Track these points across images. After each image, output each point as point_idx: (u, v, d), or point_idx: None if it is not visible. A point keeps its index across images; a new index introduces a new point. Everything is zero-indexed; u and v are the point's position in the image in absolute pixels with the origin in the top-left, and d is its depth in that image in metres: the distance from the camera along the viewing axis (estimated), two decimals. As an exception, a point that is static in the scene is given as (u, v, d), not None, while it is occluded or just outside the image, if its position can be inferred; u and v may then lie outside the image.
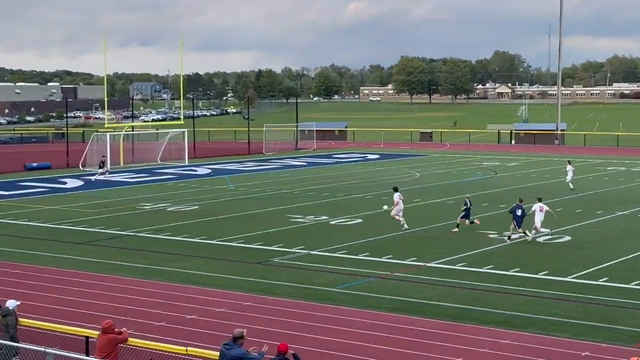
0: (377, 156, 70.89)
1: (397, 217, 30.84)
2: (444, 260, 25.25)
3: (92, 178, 51.84)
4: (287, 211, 36.34)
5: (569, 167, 45.04)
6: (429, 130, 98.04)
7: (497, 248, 27.37)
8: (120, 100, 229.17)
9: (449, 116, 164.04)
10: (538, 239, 28.90)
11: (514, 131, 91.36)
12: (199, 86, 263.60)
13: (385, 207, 31.37)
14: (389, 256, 25.80)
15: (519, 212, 28.58)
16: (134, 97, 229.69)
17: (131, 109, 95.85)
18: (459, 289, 21.53)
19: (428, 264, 24.56)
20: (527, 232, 28.59)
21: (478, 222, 30.53)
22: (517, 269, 23.85)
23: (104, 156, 55.45)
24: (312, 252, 26.54)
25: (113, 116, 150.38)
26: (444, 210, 35.97)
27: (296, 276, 23.09)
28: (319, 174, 54.39)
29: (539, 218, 28.77)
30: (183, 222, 33.23)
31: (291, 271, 23.76)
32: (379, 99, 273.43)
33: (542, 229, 28.81)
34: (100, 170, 52.56)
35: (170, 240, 29.09)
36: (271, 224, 32.46)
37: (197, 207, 38.06)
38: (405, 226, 30.66)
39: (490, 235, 29.44)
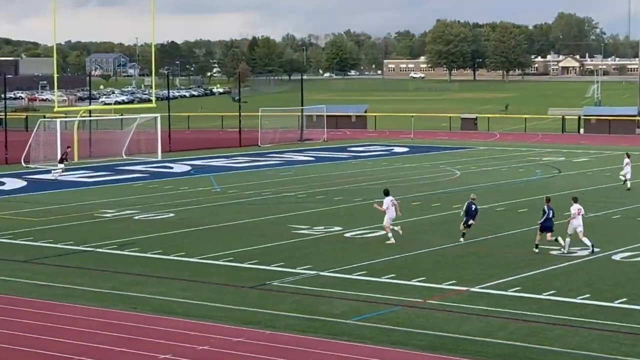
0: (405, 149, 71.43)
1: (389, 228, 31.51)
2: (491, 283, 25.32)
3: (50, 176, 51.99)
4: (289, 220, 36.57)
5: (626, 161, 46.59)
6: (473, 116, 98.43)
7: (561, 268, 27.45)
8: (74, 77, 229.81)
9: (498, 97, 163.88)
10: (614, 257, 28.97)
11: (582, 117, 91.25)
12: (176, 59, 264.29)
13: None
14: (421, 279, 25.93)
15: (551, 215, 29.67)
16: (92, 73, 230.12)
17: (88, 88, 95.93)
18: (512, 320, 21.64)
19: (471, 289, 24.67)
20: (561, 239, 29.58)
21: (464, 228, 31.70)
22: (587, 296, 23.97)
23: (69, 147, 55.46)
24: (321, 274, 26.71)
25: (65, 97, 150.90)
26: (492, 220, 36.10)
27: (301, 304, 23.21)
28: (330, 173, 54.75)
29: (575, 224, 29.56)
30: (155, 235, 33.47)
31: (295, 298, 23.90)
32: (422, 75, 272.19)
33: (584, 239, 29.57)
34: (62, 166, 52.74)
35: (139, 258, 29.28)
36: (269, 237, 32.62)
37: (173, 215, 38.41)
38: (400, 232, 31.53)
39: (552, 252, 29.56)
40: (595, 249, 29.30)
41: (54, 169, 53.20)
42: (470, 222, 31.89)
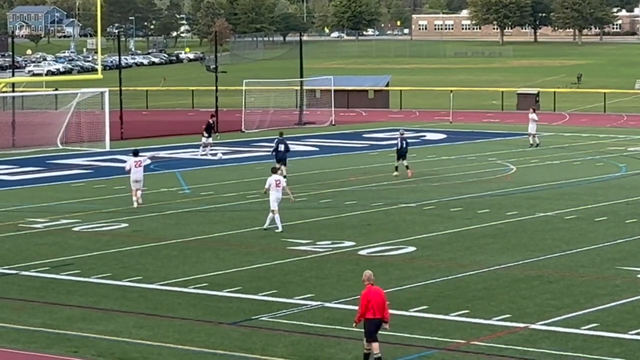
0: (442, 136, 71.87)
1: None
2: (559, 318, 25.24)
3: (198, 153, 58.94)
4: (284, 232, 36.40)
5: (531, 116, 62.79)
6: (534, 91, 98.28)
7: (657, 297, 27.20)
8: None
9: (568, 66, 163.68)
10: None
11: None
12: (130, 13, 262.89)
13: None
14: (463, 312, 25.84)
15: (281, 147, 38.59)
16: (16, 32, 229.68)
17: (11, 53, 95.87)
18: (586, 368, 21.13)
19: (531, 326, 24.63)
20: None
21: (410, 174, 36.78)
22: (692, 335, 23.70)
23: (213, 115, 62.10)
24: (327, 305, 26.70)
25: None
26: (560, 232, 36.28)
27: (300, 347, 23.13)
28: (340, 168, 54.82)
29: (272, 198, 35.22)
30: (101, 252, 33.39)
31: (292, 338, 23.80)
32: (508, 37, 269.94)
33: (276, 217, 35.20)
34: (211, 139, 59.27)
35: (80, 284, 29.11)
36: (256, 256, 32.67)
37: (125, 225, 38.47)
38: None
39: (639, 275, 29.61)
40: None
41: (203, 148, 59.59)
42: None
